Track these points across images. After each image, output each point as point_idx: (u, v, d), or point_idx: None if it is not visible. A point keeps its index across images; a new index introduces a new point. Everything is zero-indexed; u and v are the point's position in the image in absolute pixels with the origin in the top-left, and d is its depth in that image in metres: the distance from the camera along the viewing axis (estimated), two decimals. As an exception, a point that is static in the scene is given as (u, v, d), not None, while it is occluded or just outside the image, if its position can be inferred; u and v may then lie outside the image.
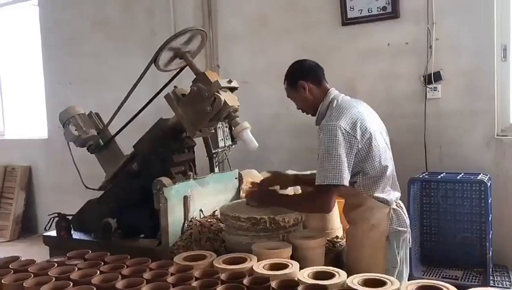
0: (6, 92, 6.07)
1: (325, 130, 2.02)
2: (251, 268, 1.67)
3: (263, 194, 2.32)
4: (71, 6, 5.10)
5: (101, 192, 2.60)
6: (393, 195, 2.16)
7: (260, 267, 1.67)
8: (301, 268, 1.69)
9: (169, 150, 2.44)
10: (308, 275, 1.59)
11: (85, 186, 2.65)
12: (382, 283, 1.50)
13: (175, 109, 2.29)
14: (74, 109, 2.65)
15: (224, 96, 2.18)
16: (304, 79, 2.21)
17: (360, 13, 3.56)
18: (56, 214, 2.55)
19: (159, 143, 2.42)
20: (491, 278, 2.90)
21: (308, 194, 2.21)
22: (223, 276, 1.53)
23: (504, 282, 2.93)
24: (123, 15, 4.77)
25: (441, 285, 1.45)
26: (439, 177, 3.12)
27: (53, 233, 2.59)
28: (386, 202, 2.11)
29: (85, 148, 2.64)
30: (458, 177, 3.07)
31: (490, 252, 2.87)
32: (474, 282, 2.91)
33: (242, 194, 2.76)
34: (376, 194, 2.09)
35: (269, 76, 3.94)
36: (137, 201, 2.41)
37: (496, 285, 2.90)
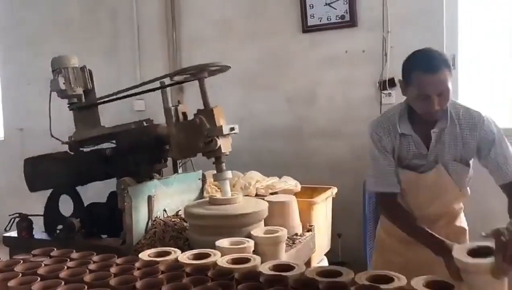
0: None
1: (489, 120, 1.92)
2: (215, 263, 1.74)
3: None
4: (31, 5, 5.01)
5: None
6: None
7: (223, 261, 1.74)
8: (262, 262, 1.78)
9: (147, 157, 2.46)
10: (269, 268, 1.67)
11: (52, 135, 2.61)
12: (337, 273, 1.59)
13: (169, 126, 2.28)
14: (69, 61, 2.56)
15: (222, 141, 2.21)
16: None
17: (320, 21, 3.71)
18: (17, 215, 2.53)
19: (140, 146, 2.44)
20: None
21: None
22: (188, 270, 1.60)
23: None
24: (86, 15, 4.74)
25: (391, 274, 1.55)
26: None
27: (13, 233, 2.57)
28: None
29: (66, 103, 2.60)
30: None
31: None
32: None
33: (206, 195, 2.82)
34: None
35: (233, 80, 4.02)
36: (94, 180, 2.48)
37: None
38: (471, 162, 2.01)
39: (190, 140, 2.23)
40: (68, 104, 2.62)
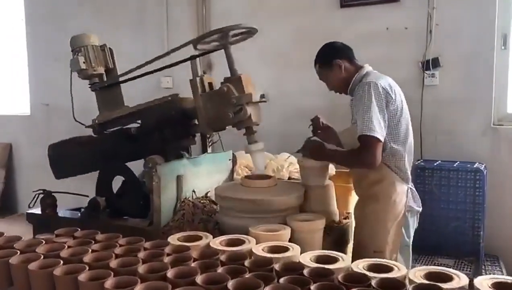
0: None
1: (365, 87, 2.08)
2: (251, 250, 1.60)
3: (316, 147, 2.30)
4: (56, -20, 4.90)
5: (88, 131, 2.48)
6: (409, 173, 2.23)
7: (259, 249, 1.60)
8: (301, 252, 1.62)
9: (174, 132, 2.31)
10: (310, 259, 1.52)
11: (75, 119, 2.48)
12: (388, 268, 1.44)
13: (196, 98, 2.13)
14: (89, 39, 2.45)
15: (251, 109, 2.05)
16: (338, 58, 2.27)
17: (359, -5, 3.48)
18: (41, 191, 2.44)
19: (166, 121, 2.28)
20: (482, 267, 2.89)
21: (355, 149, 2.15)
22: (222, 257, 1.45)
23: (495, 272, 2.92)
24: (112, -11, 4.60)
25: (451, 272, 1.39)
26: (435, 164, 3.08)
27: (37, 210, 2.48)
28: (405, 178, 2.19)
29: (88, 83, 2.49)
30: (455, 165, 3.03)
31: (483, 240, 2.86)
32: (466, 271, 2.88)
33: (236, 176, 2.68)
34: (398, 165, 2.17)
35: (264, 58, 3.84)
36: (121, 162, 2.33)
37: (488, 274, 2.88)
38: None
39: (218, 110, 2.07)
40: (89, 84, 2.49)
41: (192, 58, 2.19)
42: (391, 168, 2.16)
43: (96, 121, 2.46)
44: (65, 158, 2.49)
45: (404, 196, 2.19)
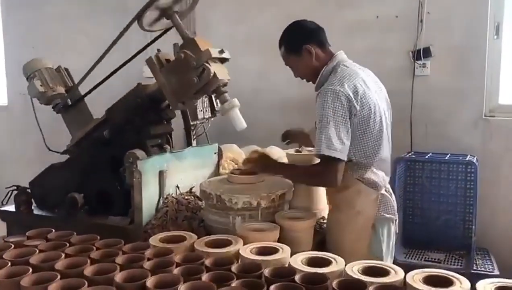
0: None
1: (327, 96, 1.82)
2: (237, 252, 1.50)
3: (266, 164, 2.09)
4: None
5: (65, 157, 2.37)
6: (382, 177, 1.98)
7: (247, 251, 1.50)
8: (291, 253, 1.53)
9: (145, 120, 2.21)
10: (302, 261, 1.43)
11: (48, 148, 2.42)
12: (384, 271, 1.35)
13: (156, 76, 2.03)
14: (40, 62, 2.40)
15: (214, 67, 1.93)
16: (309, 43, 1.97)
17: (348, -18, 3.37)
18: (15, 187, 2.30)
19: (135, 111, 2.18)
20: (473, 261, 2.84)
21: (314, 167, 1.98)
22: (207, 262, 1.35)
23: (486, 266, 2.87)
24: (92, -26, 4.41)
25: (451, 275, 1.31)
26: (426, 157, 3.01)
27: (11, 207, 2.35)
28: (375, 186, 1.94)
29: (51, 107, 2.39)
30: (446, 158, 2.97)
31: (474, 233, 2.81)
32: (457, 265, 2.84)
33: (222, 170, 2.58)
34: (365, 176, 1.92)
35: (250, 46, 3.71)
36: (105, 172, 2.20)
37: (479, 268, 2.83)
38: None
39: (181, 79, 1.97)
40: (52, 107, 2.40)
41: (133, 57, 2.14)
42: (356, 178, 1.93)
43: (70, 144, 2.37)
44: (48, 189, 2.33)
45: (372, 205, 1.94)
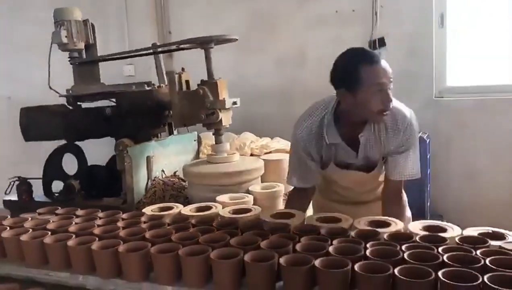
0: None
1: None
2: (217, 214, 1.81)
3: None
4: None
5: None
6: None
7: (226, 212, 1.81)
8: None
9: (147, 121, 2.49)
10: (271, 216, 1.74)
11: (50, 87, 2.58)
12: (386, 224, 1.61)
13: (172, 94, 2.30)
14: (72, 13, 2.50)
15: (223, 114, 2.24)
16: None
17: (309, -20, 3.68)
18: (17, 178, 2.56)
19: (141, 109, 2.45)
20: (429, 225, 3.20)
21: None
22: (193, 221, 1.66)
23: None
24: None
25: (446, 225, 1.62)
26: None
27: (13, 197, 2.60)
28: None
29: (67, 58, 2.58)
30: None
31: (428, 202, 3.17)
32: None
33: (202, 156, 2.87)
34: None
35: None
36: (91, 137, 2.50)
37: (433, 231, 3.19)
38: None
39: (192, 110, 2.25)
40: (68, 58, 2.60)
41: (155, 53, 2.37)
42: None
43: (71, 92, 2.57)
44: (37, 124, 2.54)
45: None
